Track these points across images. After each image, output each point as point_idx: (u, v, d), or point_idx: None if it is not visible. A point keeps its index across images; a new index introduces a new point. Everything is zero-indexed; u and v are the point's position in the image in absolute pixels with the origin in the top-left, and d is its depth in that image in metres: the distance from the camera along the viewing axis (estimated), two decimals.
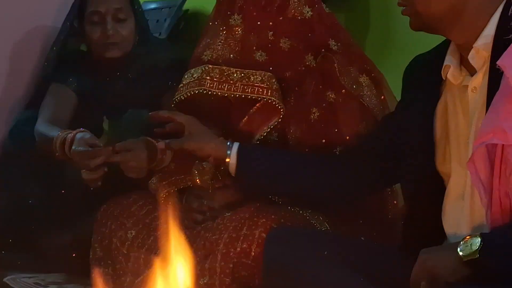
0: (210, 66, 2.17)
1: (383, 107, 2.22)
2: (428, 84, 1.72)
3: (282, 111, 2.14)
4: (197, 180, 2.04)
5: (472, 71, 1.61)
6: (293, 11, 2.21)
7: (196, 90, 2.16)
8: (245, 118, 2.22)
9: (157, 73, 2.57)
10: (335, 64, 2.19)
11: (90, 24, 2.59)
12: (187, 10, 3.94)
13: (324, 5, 2.30)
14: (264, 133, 2.19)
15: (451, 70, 1.64)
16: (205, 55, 2.21)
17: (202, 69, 2.18)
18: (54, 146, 2.28)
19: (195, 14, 3.95)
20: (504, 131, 1.42)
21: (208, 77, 2.16)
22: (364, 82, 2.21)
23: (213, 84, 2.15)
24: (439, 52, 1.71)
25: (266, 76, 2.15)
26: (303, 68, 2.20)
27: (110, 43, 2.56)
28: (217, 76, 2.16)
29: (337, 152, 2.13)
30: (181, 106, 2.21)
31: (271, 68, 2.17)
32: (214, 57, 2.20)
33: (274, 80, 2.15)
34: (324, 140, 2.15)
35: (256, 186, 2.06)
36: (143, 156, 2.20)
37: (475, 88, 1.59)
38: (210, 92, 2.16)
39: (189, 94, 2.18)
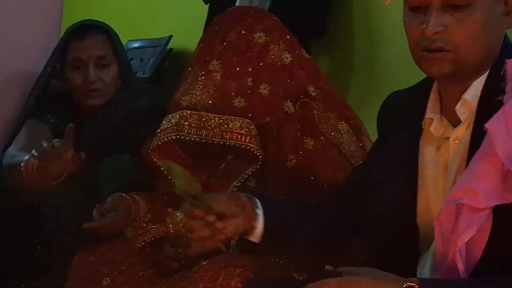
0: (188, 111, 2.15)
1: (362, 154, 2.20)
2: (408, 132, 1.69)
3: (261, 158, 2.12)
4: (170, 228, 2.01)
5: (453, 121, 1.60)
6: (272, 56, 2.20)
7: (174, 135, 2.14)
8: (223, 165, 2.20)
9: (139, 118, 2.55)
10: (314, 111, 2.18)
11: (72, 69, 2.57)
12: (171, 49, 3.94)
13: (303, 51, 2.30)
14: (242, 179, 2.16)
15: (434, 123, 1.62)
16: (183, 100, 2.19)
17: (179, 115, 2.15)
18: (22, 169, 2.25)
19: (180, 54, 3.96)
20: (476, 193, 1.41)
21: (186, 123, 2.13)
22: (343, 129, 2.20)
23: (191, 130, 2.13)
24: (417, 94, 1.70)
25: (245, 123, 2.13)
26: (282, 114, 2.18)
27: (91, 90, 2.55)
28: (195, 122, 2.13)
29: (312, 200, 2.09)
30: (159, 152, 2.19)
31: (250, 115, 2.15)
32: (192, 102, 2.18)
33: (253, 127, 2.13)
34: (299, 188, 2.12)
35: (275, 246, 2.00)
36: (120, 217, 2.21)
37: (457, 138, 1.58)
38: (188, 138, 2.13)
39: (166, 140, 2.15)
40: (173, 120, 2.16)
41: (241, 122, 2.13)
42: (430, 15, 1.49)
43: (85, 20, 2.66)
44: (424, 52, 1.53)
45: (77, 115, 2.63)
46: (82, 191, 2.41)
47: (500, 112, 1.44)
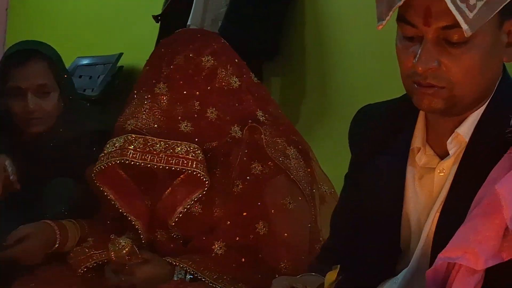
0: (133, 135, 2.10)
1: (310, 180, 2.18)
2: (393, 157, 1.59)
3: (207, 183, 2.08)
4: (113, 255, 1.96)
5: (440, 152, 1.53)
6: (220, 80, 2.16)
7: (118, 160, 2.09)
8: (168, 190, 2.15)
9: (81, 143, 2.49)
10: (262, 136, 2.14)
11: (11, 97, 2.49)
12: (122, 66, 3.89)
13: (252, 75, 2.27)
14: (188, 205, 2.12)
15: (420, 153, 1.54)
16: (129, 124, 2.14)
17: (124, 138, 2.11)
18: None
19: (130, 71, 3.92)
20: (477, 255, 1.32)
21: (131, 147, 2.09)
22: (291, 154, 2.17)
23: (136, 154, 2.08)
24: (401, 116, 1.60)
25: (191, 148, 2.09)
26: (229, 139, 2.15)
27: (32, 118, 2.47)
28: (141, 146, 2.09)
29: (258, 226, 2.08)
30: (102, 176, 2.14)
31: (196, 139, 2.11)
32: (138, 126, 2.13)
33: (199, 152, 2.09)
34: (246, 214, 2.09)
35: None
36: (37, 245, 2.19)
37: (443, 170, 1.51)
38: (132, 163, 2.09)
39: (109, 164, 2.10)
40: (117, 144, 2.12)
41: (187, 147, 2.09)
42: (423, 49, 1.39)
43: (25, 43, 2.57)
44: (415, 85, 1.44)
45: (20, 138, 2.56)
46: (23, 216, 2.35)
47: (509, 175, 1.33)
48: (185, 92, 2.14)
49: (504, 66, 1.51)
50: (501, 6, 1.34)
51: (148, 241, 2.17)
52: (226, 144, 2.15)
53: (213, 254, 2.08)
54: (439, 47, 1.39)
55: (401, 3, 1.36)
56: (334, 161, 2.86)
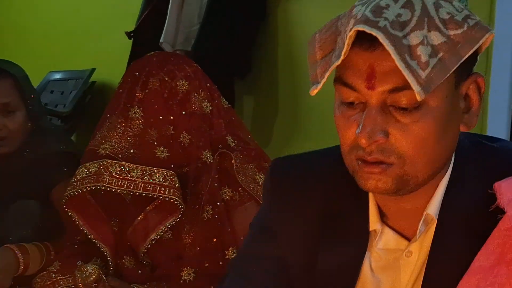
0: (109, 160, 2.08)
1: None
2: (347, 241, 1.32)
3: (182, 210, 2.07)
4: (80, 282, 1.94)
5: (402, 232, 1.30)
6: (193, 105, 2.15)
7: (94, 186, 2.06)
8: (141, 216, 2.13)
9: (48, 165, 2.46)
10: (233, 161, 2.14)
11: None
12: (94, 82, 3.86)
13: (223, 99, 2.26)
14: (161, 232, 2.11)
15: (379, 234, 1.31)
16: (103, 149, 2.11)
17: (99, 164, 2.08)
18: None
19: (102, 87, 3.89)
20: None
21: (106, 173, 2.06)
22: (261, 180, 2.16)
23: (113, 180, 2.06)
24: (345, 185, 1.31)
25: (168, 175, 2.08)
26: (200, 164, 2.14)
27: None
28: (117, 172, 2.06)
29: (227, 253, 2.07)
30: (71, 201, 2.11)
31: (172, 166, 2.10)
32: (112, 151, 2.11)
33: (176, 179, 2.08)
34: (215, 240, 2.08)
35: None
36: (2, 272, 2.16)
37: (409, 252, 1.29)
38: (108, 189, 2.06)
39: (85, 190, 2.08)
40: (92, 170, 2.09)
41: (164, 174, 2.07)
42: (366, 117, 1.14)
43: None
44: (359, 162, 1.19)
45: None
46: None
47: None
48: (160, 117, 2.12)
49: None
50: (458, 63, 1.13)
51: (115, 268, 2.15)
52: (197, 169, 2.13)
53: (181, 281, 2.06)
54: (386, 115, 1.15)
55: (339, 62, 1.12)
56: None
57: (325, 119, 3.04)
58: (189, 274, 2.07)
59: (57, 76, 3.91)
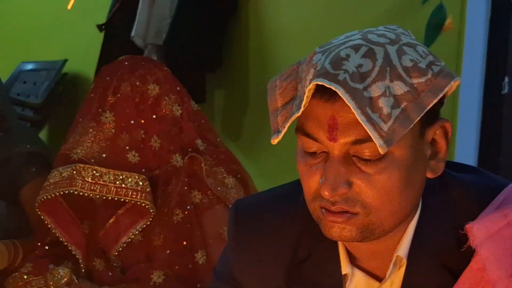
0: (82, 165, 2.11)
1: None
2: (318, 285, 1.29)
3: (153, 214, 2.11)
4: (51, 285, 1.98)
5: (373, 273, 1.28)
6: (164, 109, 2.19)
7: (67, 190, 2.10)
8: (112, 219, 2.17)
9: (15, 165, 2.46)
10: (202, 165, 2.17)
11: None
12: (66, 73, 3.86)
13: (192, 102, 2.29)
14: (132, 235, 2.14)
15: (349, 280, 1.27)
16: (75, 153, 2.14)
17: (72, 168, 2.11)
18: None
19: (74, 78, 3.89)
20: None
21: (79, 177, 2.09)
22: (230, 183, 2.20)
23: (85, 185, 2.10)
24: (312, 236, 1.28)
25: (140, 179, 2.11)
26: (170, 167, 2.17)
27: None
28: (90, 177, 2.10)
29: (196, 256, 2.11)
30: (45, 204, 2.14)
31: (143, 170, 2.14)
32: (85, 155, 2.14)
33: (147, 183, 2.12)
34: (185, 243, 2.12)
35: None
36: None
37: None
38: (81, 193, 2.10)
39: (57, 194, 2.11)
40: (64, 174, 2.12)
41: (136, 178, 2.11)
42: (328, 169, 1.12)
43: None
44: (323, 210, 1.16)
45: None
46: None
47: None
48: (132, 122, 2.15)
49: None
50: (422, 114, 1.10)
51: (86, 270, 2.18)
52: (167, 172, 2.17)
53: (151, 283, 2.10)
54: (349, 165, 1.13)
55: (299, 113, 1.11)
56: (274, 175, 2.91)
57: None
58: (159, 276, 2.10)
59: (30, 66, 3.91)
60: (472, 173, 1.31)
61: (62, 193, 2.10)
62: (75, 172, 2.10)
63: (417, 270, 1.22)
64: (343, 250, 1.26)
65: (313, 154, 1.15)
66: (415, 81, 1.11)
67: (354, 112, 1.07)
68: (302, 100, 1.11)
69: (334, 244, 1.26)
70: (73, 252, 2.16)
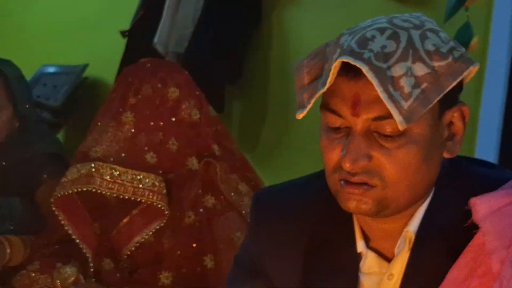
0: (101, 163, 2.12)
1: None
2: (339, 270, 1.33)
3: (167, 216, 2.11)
4: (58, 284, 1.97)
5: (385, 254, 1.32)
6: (183, 113, 2.20)
7: (85, 188, 2.10)
8: (126, 219, 2.17)
9: (32, 164, 2.49)
10: (218, 170, 2.17)
11: None
12: (86, 78, 3.88)
13: (210, 108, 2.30)
14: (146, 235, 2.14)
15: (363, 258, 1.32)
16: (94, 151, 2.15)
17: (90, 166, 2.11)
18: None
19: (94, 83, 3.91)
20: None
21: (97, 175, 2.10)
22: (243, 190, 2.21)
23: (103, 183, 2.10)
24: (330, 216, 1.34)
25: (157, 180, 2.12)
26: (185, 171, 2.18)
27: None
28: (108, 175, 2.10)
29: (205, 259, 2.10)
30: (60, 201, 2.15)
31: (160, 171, 2.14)
32: (103, 154, 2.15)
33: (163, 185, 2.12)
34: (195, 245, 2.12)
35: None
36: None
37: (391, 275, 1.30)
38: (99, 191, 2.10)
39: (75, 191, 2.11)
40: (83, 171, 2.13)
41: (153, 180, 2.12)
42: (351, 142, 1.18)
43: None
44: (342, 182, 1.22)
45: None
46: None
47: (495, 285, 1.19)
48: (151, 123, 2.16)
49: None
50: (441, 95, 1.16)
51: (94, 270, 2.17)
52: (181, 175, 2.17)
53: (159, 284, 2.09)
54: (370, 140, 1.19)
55: (324, 89, 1.17)
56: None
57: (313, 128, 3.05)
58: (167, 278, 2.10)
59: (51, 70, 3.93)
60: (490, 168, 1.37)
61: (80, 190, 2.11)
62: (93, 170, 2.11)
63: (423, 246, 1.26)
64: (358, 230, 1.31)
65: (336, 130, 1.21)
66: (436, 64, 1.17)
67: (377, 89, 1.13)
68: (327, 77, 1.16)
69: (350, 224, 1.32)
70: (84, 251, 2.16)
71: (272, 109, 3.37)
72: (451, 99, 1.22)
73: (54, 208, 2.15)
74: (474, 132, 2.67)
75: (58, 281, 1.99)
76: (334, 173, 1.22)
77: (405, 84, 1.14)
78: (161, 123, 2.17)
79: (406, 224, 1.28)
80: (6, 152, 2.52)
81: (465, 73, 1.18)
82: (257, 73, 3.40)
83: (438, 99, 1.16)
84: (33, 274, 2.16)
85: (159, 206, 2.09)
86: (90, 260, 2.16)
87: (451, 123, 1.24)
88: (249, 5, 3.39)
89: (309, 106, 1.20)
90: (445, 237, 1.26)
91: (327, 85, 1.16)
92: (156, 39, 3.38)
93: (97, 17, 3.98)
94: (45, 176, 2.43)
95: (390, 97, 1.13)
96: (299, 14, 3.32)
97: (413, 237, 1.28)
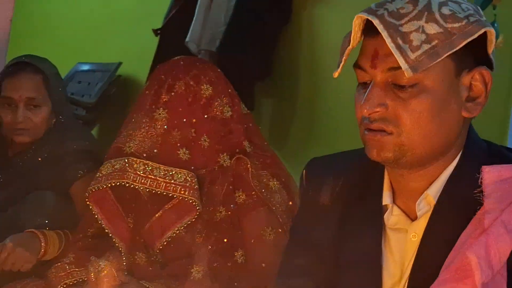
0: (134, 158, 2.16)
1: (291, 213, 2.23)
2: (365, 220, 1.45)
3: (199, 211, 2.14)
4: (92, 276, 2.01)
5: (408, 212, 1.42)
6: (215, 110, 2.23)
7: (118, 182, 2.14)
8: (158, 213, 2.20)
9: (68, 159, 2.54)
10: (249, 166, 2.20)
11: (2, 106, 2.56)
12: (120, 75, 3.94)
13: (242, 105, 2.33)
14: (177, 230, 2.17)
15: (387, 212, 1.43)
16: (128, 147, 2.19)
17: (124, 161, 2.16)
18: None
19: (127, 81, 3.96)
20: None
21: (131, 170, 2.14)
22: (274, 186, 2.23)
23: (137, 178, 2.14)
24: (365, 172, 1.47)
25: (189, 176, 2.16)
26: (217, 167, 2.21)
27: (19, 129, 2.54)
28: (141, 170, 2.14)
29: (236, 254, 2.13)
30: (94, 195, 2.20)
31: (192, 167, 2.17)
32: (137, 149, 2.18)
33: (195, 180, 2.16)
34: (226, 240, 2.15)
35: None
36: (27, 254, 2.26)
37: (416, 235, 1.40)
38: (132, 186, 2.14)
39: (109, 185, 2.16)
40: (117, 166, 2.17)
41: (185, 175, 2.15)
42: (369, 91, 1.33)
43: (25, 56, 2.64)
44: (366, 131, 1.36)
45: (6, 152, 2.62)
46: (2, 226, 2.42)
47: (482, 238, 1.28)
48: (184, 120, 2.20)
49: (471, 126, 1.43)
50: (450, 52, 1.28)
51: (127, 264, 2.21)
52: (213, 172, 2.20)
53: (191, 277, 2.11)
54: (387, 90, 1.33)
55: (350, 46, 1.34)
56: None
57: (341, 125, 3.08)
58: (198, 271, 2.12)
59: (85, 67, 4.00)
60: None
61: (113, 184, 2.15)
62: (127, 164, 2.15)
63: (443, 212, 1.37)
64: (387, 185, 1.44)
65: (363, 84, 1.36)
66: (449, 25, 1.29)
67: (385, 40, 1.28)
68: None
69: (381, 179, 1.45)
70: (117, 245, 2.20)
71: (302, 106, 3.39)
72: (468, 62, 1.33)
73: (88, 203, 2.19)
74: (505, 133, 2.66)
75: (92, 274, 2.03)
76: (361, 125, 1.37)
77: (415, 38, 1.28)
78: (194, 120, 2.20)
79: (428, 185, 1.39)
80: (43, 147, 2.57)
81: (476, 35, 1.29)
82: (286, 71, 3.43)
83: (447, 54, 1.28)
84: (68, 267, 2.21)
85: (191, 201, 2.13)
86: (123, 253, 2.20)
87: (471, 86, 1.35)
88: (280, 4, 3.41)
89: (341, 64, 1.36)
90: (463, 204, 1.35)
91: (352, 41, 1.34)
92: (188, 38, 3.42)
93: (131, 16, 4.03)
94: (80, 171, 2.48)
95: (398, 47, 1.27)
96: (328, 13, 3.34)
97: (433, 202, 1.38)
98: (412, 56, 1.27)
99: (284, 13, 3.43)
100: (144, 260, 2.21)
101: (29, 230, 2.33)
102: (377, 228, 1.44)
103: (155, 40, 3.60)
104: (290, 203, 2.25)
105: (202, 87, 2.22)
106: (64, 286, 2.17)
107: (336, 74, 1.37)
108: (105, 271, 2.01)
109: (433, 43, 1.28)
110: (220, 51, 3.37)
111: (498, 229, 1.29)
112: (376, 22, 1.29)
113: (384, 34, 1.28)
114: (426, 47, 1.27)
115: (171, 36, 3.55)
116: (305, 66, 3.39)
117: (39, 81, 2.55)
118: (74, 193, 2.47)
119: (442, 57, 1.28)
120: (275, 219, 2.19)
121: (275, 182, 2.23)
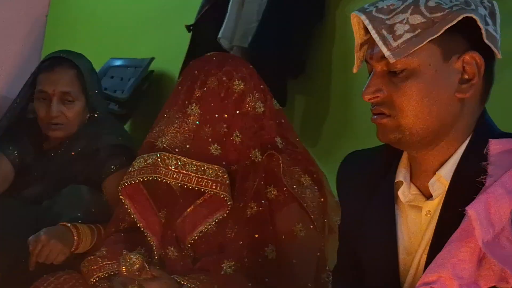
0: (167, 153, 2.17)
1: (322, 210, 2.24)
2: (382, 197, 1.62)
3: (230, 206, 2.15)
4: (124, 270, 2.03)
5: (424, 191, 1.55)
6: (247, 105, 2.23)
7: (151, 177, 2.15)
8: (190, 208, 2.22)
9: (101, 153, 2.57)
10: (280, 162, 2.20)
11: (38, 100, 2.60)
12: (152, 71, 3.95)
13: (274, 101, 2.33)
14: (209, 225, 2.18)
15: (402, 187, 1.57)
16: (160, 142, 2.20)
17: (156, 156, 2.17)
18: None
19: (160, 76, 3.97)
20: (451, 279, 1.37)
21: (163, 165, 2.15)
22: (306, 183, 2.23)
23: (168, 173, 2.15)
24: (388, 157, 1.63)
25: (220, 171, 2.16)
26: (248, 163, 2.21)
27: (53, 123, 2.56)
28: (173, 165, 2.15)
29: (266, 250, 2.14)
30: (127, 189, 2.22)
31: (224, 163, 2.18)
32: (169, 144, 2.19)
33: (226, 176, 2.16)
34: (257, 235, 2.15)
35: None
36: (59, 247, 2.30)
37: (429, 212, 1.54)
38: (164, 181, 2.15)
39: (141, 180, 2.17)
40: (149, 161, 2.18)
41: (216, 171, 2.16)
42: (369, 80, 1.50)
43: (61, 52, 2.67)
44: (373, 117, 1.53)
45: (42, 146, 2.65)
46: (37, 218, 2.44)
47: (482, 196, 1.38)
48: (216, 115, 2.20)
49: (485, 109, 1.54)
50: (430, 38, 1.43)
51: (158, 258, 2.23)
52: (245, 167, 2.21)
53: (222, 272, 2.13)
54: (384, 78, 1.49)
55: (356, 42, 1.54)
56: None
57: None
58: (229, 266, 2.13)
59: (118, 62, 4.01)
60: None
61: (146, 179, 2.16)
62: (159, 159, 2.16)
63: (456, 191, 1.48)
64: (403, 163, 1.59)
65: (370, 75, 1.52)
66: (433, 15, 1.43)
67: (370, 31, 1.45)
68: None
69: (398, 159, 1.60)
70: (149, 239, 2.22)
71: (334, 103, 3.37)
72: (457, 47, 1.46)
73: (121, 197, 2.21)
74: None
75: (124, 267, 2.05)
76: (371, 112, 1.52)
77: (398, 28, 1.44)
78: (226, 116, 2.21)
79: (440, 166, 1.52)
80: (76, 142, 2.60)
81: (455, 20, 1.42)
82: (319, 68, 3.41)
83: (428, 40, 1.43)
84: (100, 260, 2.23)
85: (222, 196, 2.13)
86: (154, 248, 2.22)
87: (463, 69, 1.48)
88: (313, 2, 3.40)
89: (356, 60, 1.56)
90: (475, 187, 1.43)
91: (356, 38, 1.54)
92: (220, 34, 3.42)
93: (164, 12, 4.04)
94: (113, 166, 2.50)
95: (381, 37, 1.45)
96: None
97: (445, 182, 1.50)
98: (394, 44, 1.44)
99: (317, 10, 3.41)
100: (175, 254, 2.23)
101: (62, 223, 2.35)
102: (391, 203, 1.58)
103: (188, 36, 3.61)
104: (322, 199, 2.24)
105: (234, 82, 2.23)
106: (97, 279, 2.20)
107: (355, 70, 1.56)
108: (137, 265, 2.03)
109: (416, 32, 1.43)
110: (252, 47, 3.36)
111: (497, 188, 1.39)
112: (363, 17, 1.47)
113: (369, 27, 1.46)
114: (408, 35, 1.43)
115: (203, 32, 3.55)
116: (338, 63, 3.37)
117: (74, 76, 2.58)
118: (107, 188, 2.49)
119: (424, 43, 1.43)
120: (307, 215, 2.19)
121: (306, 178, 2.23)
